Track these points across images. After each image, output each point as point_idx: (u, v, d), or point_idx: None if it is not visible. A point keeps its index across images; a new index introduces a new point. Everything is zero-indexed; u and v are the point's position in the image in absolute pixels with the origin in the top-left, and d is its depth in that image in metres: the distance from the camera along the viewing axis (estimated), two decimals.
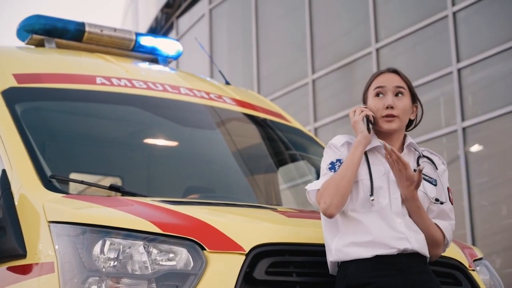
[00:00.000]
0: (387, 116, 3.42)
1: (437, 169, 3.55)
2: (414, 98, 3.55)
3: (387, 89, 3.46)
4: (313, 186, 3.38)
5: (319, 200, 3.31)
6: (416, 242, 3.33)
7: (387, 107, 3.42)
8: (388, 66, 3.66)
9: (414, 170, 3.34)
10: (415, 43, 11.49)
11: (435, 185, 3.50)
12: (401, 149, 3.50)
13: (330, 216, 3.30)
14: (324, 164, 3.42)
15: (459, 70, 10.66)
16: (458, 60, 10.68)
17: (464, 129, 10.49)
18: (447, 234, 3.49)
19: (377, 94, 3.46)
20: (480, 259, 4.22)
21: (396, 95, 3.46)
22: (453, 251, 3.89)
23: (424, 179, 3.45)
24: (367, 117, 3.43)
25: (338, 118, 12.47)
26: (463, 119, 10.52)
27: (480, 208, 10.28)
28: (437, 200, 3.45)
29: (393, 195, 3.36)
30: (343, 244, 3.33)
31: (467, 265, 3.89)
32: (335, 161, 3.39)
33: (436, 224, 3.48)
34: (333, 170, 3.36)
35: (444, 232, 3.48)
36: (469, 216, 10.23)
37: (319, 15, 13.30)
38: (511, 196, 10.01)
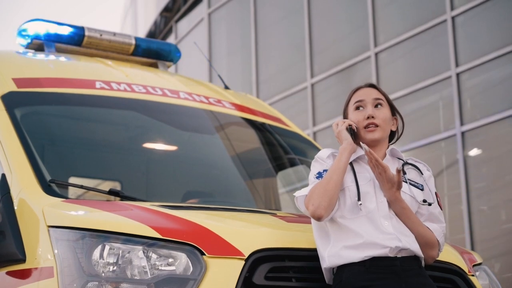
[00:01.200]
0: (368, 125, 3.51)
1: (422, 174, 3.59)
2: (393, 111, 3.64)
3: (366, 102, 3.57)
4: (301, 192, 3.45)
5: (307, 204, 3.36)
6: (407, 242, 3.35)
7: (368, 117, 3.52)
8: (366, 81, 3.79)
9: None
10: (413, 48, 11.49)
11: (422, 189, 3.55)
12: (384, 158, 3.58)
13: (318, 218, 3.33)
14: (311, 175, 3.50)
15: (457, 75, 10.67)
16: (457, 65, 10.69)
17: (463, 133, 10.50)
18: (438, 236, 3.51)
19: (357, 108, 3.58)
20: (480, 264, 4.23)
21: (376, 106, 3.56)
22: (452, 256, 3.89)
23: (411, 184, 3.52)
24: (350, 126, 3.53)
25: None
26: (462, 124, 10.52)
27: (479, 213, 10.28)
28: (424, 201, 3.49)
29: (380, 199, 3.42)
30: (335, 250, 3.36)
31: (466, 270, 3.89)
32: (322, 171, 3.47)
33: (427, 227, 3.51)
34: (320, 179, 3.43)
35: (435, 234, 3.50)
36: (468, 221, 10.23)
37: (318, 19, 13.31)
38: (510, 200, 10.01)
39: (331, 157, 3.51)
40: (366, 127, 3.51)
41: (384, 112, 3.55)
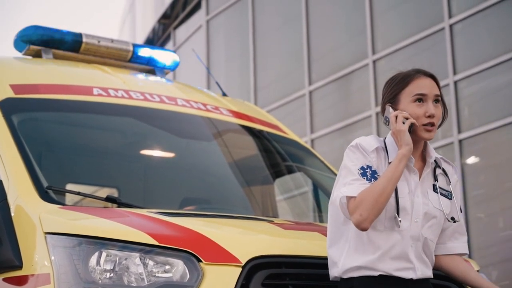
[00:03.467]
0: (428, 124, 3.30)
1: (450, 182, 3.48)
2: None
3: (428, 97, 3.32)
4: (348, 192, 3.19)
5: (353, 211, 3.16)
6: (421, 272, 3.33)
7: (429, 116, 3.30)
8: (419, 68, 3.46)
9: (435, 189, 3.38)
10: (411, 55, 11.50)
11: (450, 198, 3.45)
12: (421, 156, 3.42)
13: (363, 229, 3.18)
14: (353, 166, 3.26)
15: (455, 82, 10.68)
16: (454, 72, 10.70)
17: (460, 141, 10.50)
18: (467, 251, 3.58)
19: (417, 100, 3.32)
20: (477, 271, 4.21)
21: (433, 102, 3.35)
22: None
23: (441, 194, 3.41)
24: (411, 126, 3.27)
25: (334, 130, 12.48)
26: (459, 131, 10.53)
27: (477, 220, 10.28)
28: (452, 218, 3.43)
29: (415, 218, 3.31)
30: (350, 267, 3.27)
31: None
32: (366, 167, 3.25)
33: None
34: (365, 177, 3.22)
35: (465, 252, 3.57)
36: (466, 228, 10.22)
37: (316, 26, 13.32)
38: (508, 208, 10.01)
39: (375, 152, 3.29)
40: (424, 125, 3.29)
41: (440, 111, 3.33)
